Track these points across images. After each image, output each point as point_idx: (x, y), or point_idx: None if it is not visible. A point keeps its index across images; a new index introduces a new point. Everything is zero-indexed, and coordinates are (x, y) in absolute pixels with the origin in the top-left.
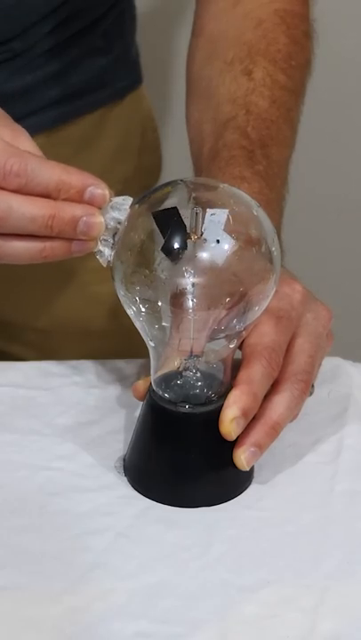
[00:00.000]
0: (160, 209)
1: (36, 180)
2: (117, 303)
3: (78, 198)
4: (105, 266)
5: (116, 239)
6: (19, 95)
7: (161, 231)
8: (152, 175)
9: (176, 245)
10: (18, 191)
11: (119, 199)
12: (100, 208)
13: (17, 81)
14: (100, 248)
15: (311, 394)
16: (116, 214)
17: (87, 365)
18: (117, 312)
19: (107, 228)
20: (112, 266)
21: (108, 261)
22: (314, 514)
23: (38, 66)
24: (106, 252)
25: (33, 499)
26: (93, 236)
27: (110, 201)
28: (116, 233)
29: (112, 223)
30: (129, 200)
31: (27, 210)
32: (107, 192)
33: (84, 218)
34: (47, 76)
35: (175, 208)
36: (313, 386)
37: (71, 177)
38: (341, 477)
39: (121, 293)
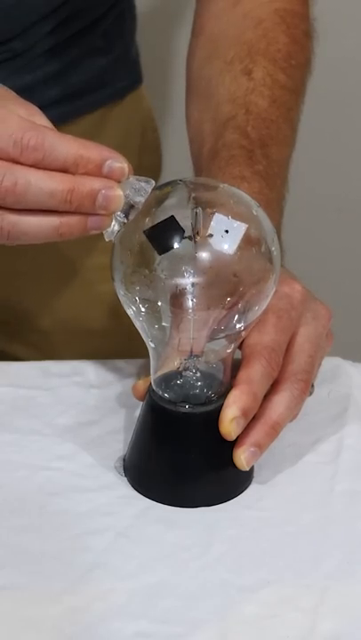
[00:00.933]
0: (150, 226)
1: (54, 155)
2: (118, 303)
3: (97, 172)
4: (107, 240)
5: (129, 217)
6: (19, 94)
7: (154, 247)
8: (152, 175)
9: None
10: (35, 165)
11: (142, 180)
12: (118, 182)
13: (17, 81)
14: (112, 223)
15: (311, 394)
16: (135, 195)
17: (87, 365)
18: (118, 311)
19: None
20: (112, 266)
21: (111, 238)
22: (314, 514)
23: (38, 66)
24: (112, 228)
25: (32, 499)
26: (113, 210)
27: (129, 177)
28: (131, 208)
29: (129, 199)
30: (152, 183)
31: (45, 184)
32: (125, 165)
33: (103, 191)
34: (47, 76)
35: (171, 217)
36: (313, 386)
37: (89, 151)
38: (341, 477)
39: (121, 293)
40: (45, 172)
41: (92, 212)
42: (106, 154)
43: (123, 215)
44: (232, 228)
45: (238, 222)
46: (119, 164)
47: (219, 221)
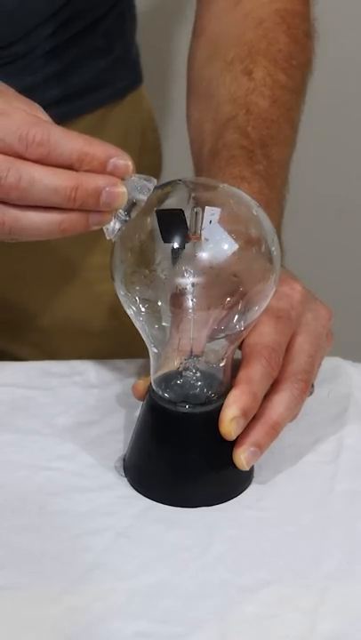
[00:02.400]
0: (164, 208)
1: (59, 151)
2: (118, 303)
3: (101, 169)
4: (107, 238)
5: (131, 215)
6: None
7: (161, 231)
8: (152, 175)
9: (176, 245)
10: (40, 161)
11: (144, 178)
12: (122, 179)
13: (17, 82)
14: (113, 220)
15: (311, 393)
16: (137, 194)
17: (87, 365)
18: (118, 311)
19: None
20: (112, 265)
21: (112, 237)
22: (314, 514)
23: (39, 67)
24: (113, 226)
25: (33, 499)
26: (116, 207)
27: (131, 175)
28: (131, 209)
29: (132, 197)
30: (154, 181)
31: (50, 181)
32: (129, 163)
33: (107, 188)
34: (47, 77)
35: (180, 210)
36: (313, 385)
37: (94, 148)
38: (341, 477)
39: (121, 293)
40: (50, 169)
41: (96, 209)
42: (111, 151)
43: (125, 213)
44: (227, 227)
45: (235, 221)
46: (123, 161)
47: (216, 223)
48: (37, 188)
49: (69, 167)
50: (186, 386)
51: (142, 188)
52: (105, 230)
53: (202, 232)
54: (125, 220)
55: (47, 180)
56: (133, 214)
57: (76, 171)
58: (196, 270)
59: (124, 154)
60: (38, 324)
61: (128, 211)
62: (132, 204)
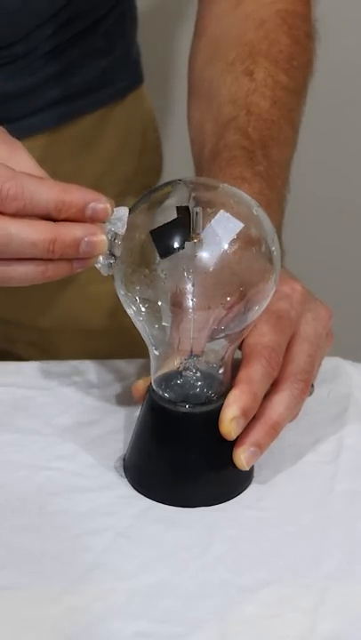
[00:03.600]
0: (156, 227)
1: (35, 202)
2: (118, 303)
3: (80, 216)
4: (106, 275)
5: (116, 251)
6: (19, 96)
7: (157, 249)
8: (153, 175)
9: (176, 245)
10: (17, 214)
11: (115, 211)
12: (103, 222)
13: (18, 82)
14: (102, 260)
15: (311, 394)
16: (114, 227)
17: (87, 365)
18: (117, 312)
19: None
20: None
21: (109, 272)
22: (314, 514)
23: (39, 67)
24: (106, 264)
25: (33, 499)
26: (97, 254)
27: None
28: (114, 241)
29: (110, 236)
30: (125, 210)
31: (27, 235)
32: (108, 205)
33: (86, 238)
34: (48, 77)
35: (175, 221)
36: (313, 385)
37: (71, 195)
38: (341, 477)
39: (121, 293)
40: (26, 222)
41: (77, 258)
42: (88, 196)
43: (111, 250)
44: (227, 227)
45: (235, 221)
46: (102, 204)
47: (217, 222)
48: (16, 243)
49: (48, 217)
50: (186, 386)
51: (117, 221)
52: (99, 268)
53: (202, 232)
54: (113, 255)
55: (24, 234)
56: (118, 249)
57: (56, 220)
58: (197, 270)
59: (102, 197)
60: (38, 323)
61: (112, 246)
62: (113, 239)
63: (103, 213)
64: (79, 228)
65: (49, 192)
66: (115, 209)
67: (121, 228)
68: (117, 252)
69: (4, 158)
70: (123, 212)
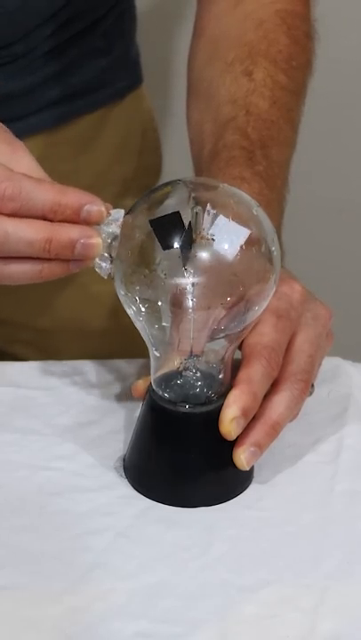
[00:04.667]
0: (157, 216)
1: (31, 203)
2: (117, 303)
3: (75, 218)
4: (105, 278)
5: (113, 253)
6: (19, 96)
7: (158, 239)
8: (152, 175)
9: (178, 247)
10: (14, 214)
11: (112, 213)
12: (98, 224)
13: (17, 82)
14: (99, 262)
15: (311, 394)
16: (110, 229)
17: (87, 365)
18: (117, 312)
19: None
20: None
21: (109, 274)
22: (314, 514)
23: (38, 67)
24: (104, 266)
25: (33, 499)
26: (92, 257)
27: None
28: (112, 243)
29: (107, 237)
30: (121, 212)
31: (23, 234)
32: (103, 208)
33: (82, 240)
34: (47, 77)
35: (174, 214)
36: (313, 385)
37: (67, 197)
38: (341, 477)
39: (121, 293)
40: (23, 221)
41: (72, 259)
42: (84, 199)
43: (108, 252)
44: (235, 232)
45: (242, 227)
46: (97, 207)
47: (221, 225)
48: (12, 242)
49: (44, 218)
50: (186, 386)
51: (112, 222)
52: (99, 272)
53: (203, 232)
54: (110, 258)
55: (21, 232)
56: (114, 250)
57: (52, 221)
58: (197, 270)
59: (97, 200)
60: (38, 324)
61: (108, 248)
62: (110, 240)
63: (98, 216)
64: (75, 230)
65: (46, 193)
66: (111, 211)
67: (116, 230)
68: (114, 254)
69: (5, 159)
70: (119, 214)
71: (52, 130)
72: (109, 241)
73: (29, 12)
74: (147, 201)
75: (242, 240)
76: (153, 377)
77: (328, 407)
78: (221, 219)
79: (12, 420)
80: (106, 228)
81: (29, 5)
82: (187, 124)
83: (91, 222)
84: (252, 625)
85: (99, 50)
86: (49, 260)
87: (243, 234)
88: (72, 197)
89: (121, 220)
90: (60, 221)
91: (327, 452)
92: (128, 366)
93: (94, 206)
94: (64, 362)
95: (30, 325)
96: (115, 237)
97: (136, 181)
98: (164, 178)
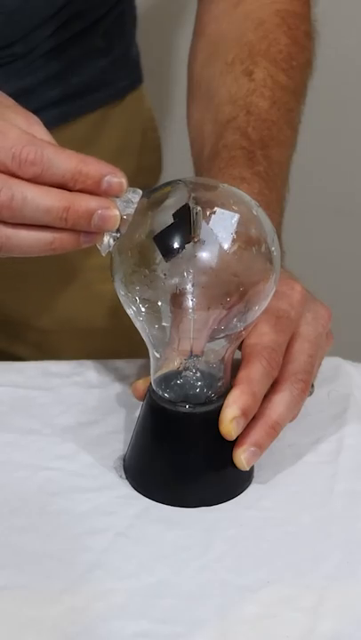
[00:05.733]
0: (159, 231)
1: (52, 170)
2: (118, 302)
3: (95, 188)
4: (103, 255)
5: (121, 230)
6: (19, 95)
7: (162, 253)
8: (152, 175)
9: (176, 246)
10: (33, 180)
11: (129, 191)
12: (117, 197)
13: (17, 82)
14: (105, 238)
15: (311, 394)
16: (124, 208)
17: (87, 365)
18: (118, 311)
19: None
20: (112, 266)
21: (109, 251)
22: (314, 514)
23: (39, 67)
24: (107, 242)
25: (33, 499)
26: (108, 229)
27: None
28: (121, 224)
29: (120, 214)
30: (139, 192)
31: (42, 201)
32: (124, 180)
33: (100, 211)
34: (48, 77)
35: (176, 224)
36: (313, 385)
37: (88, 167)
38: (341, 477)
39: (121, 293)
40: (42, 188)
41: (88, 230)
42: (105, 169)
43: (115, 230)
44: (227, 226)
45: (231, 212)
46: (117, 179)
47: (216, 223)
48: (29, 208)
49: (63, 186)
50: (186, 386)
51: (128, 202)
52: (98, 247)
53: (202, 232)
54: (117, 237)
55: (40, 199)
56: (124, 229)
57: (71, 189)
58: (196, 270)
59: (118, 171)
60: (38, 324)
61: (118, 227)
62: (121, 220)
63: (118, 188)
64: (94, 200)
65: (68, 161)
66: (130, 188)
67: (131, 208)
68: (123, 230)
69: (22, 128)
70: (137, 193)
71: (51, 130)
72: (123, 217)
73: (29, 12)
74: (147, 201)
75: (234, 224)
76: (153, 377)
77: (328, 407)
78: (218, 217)
79: (11, 420)
80: (120, 203)
81: (29, 5)
82: (187, 124)
83: (110, 194)
84: (252, 625)
85: (99, 50)
86: (60, 231)
87: (234, 218)
88: (94, 167)
89: (137, 200)
90: (78, 191)
91: (327, 451)
92: (128, 366)
93: (115, 178)
94: (64, 362)
95: (31, 325)
96: (128, 215)
97: (136, 181)
98: (164, 178)
